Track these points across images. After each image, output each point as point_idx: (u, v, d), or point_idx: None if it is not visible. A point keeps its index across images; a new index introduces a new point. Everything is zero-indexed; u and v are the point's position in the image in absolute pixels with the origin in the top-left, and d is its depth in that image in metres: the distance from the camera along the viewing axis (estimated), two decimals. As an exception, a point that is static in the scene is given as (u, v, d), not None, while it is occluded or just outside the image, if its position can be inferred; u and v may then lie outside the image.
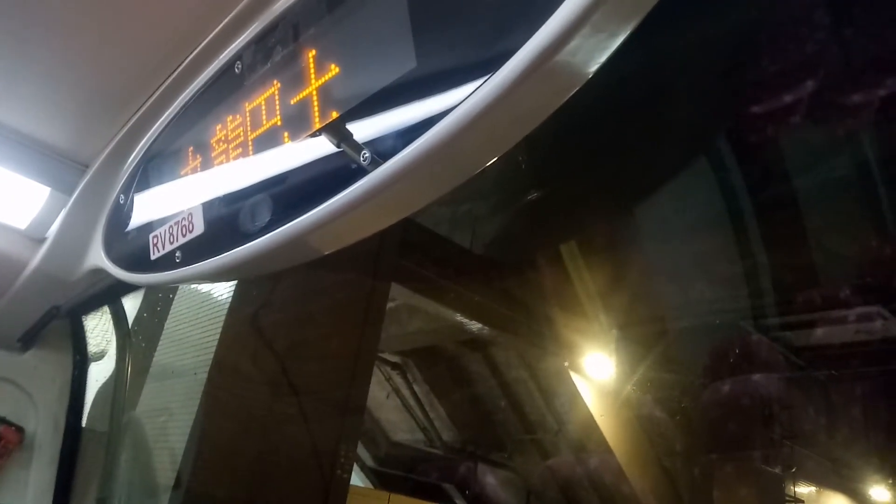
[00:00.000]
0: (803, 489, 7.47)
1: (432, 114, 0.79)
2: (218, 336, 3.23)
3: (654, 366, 6.05)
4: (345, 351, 3.97)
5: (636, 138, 3.73)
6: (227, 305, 3.29)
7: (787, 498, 6.93)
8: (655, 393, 6.22)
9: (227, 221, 1.12)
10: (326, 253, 1.10)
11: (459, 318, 5.42)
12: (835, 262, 5.25)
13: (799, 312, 6.04)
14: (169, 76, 1.26)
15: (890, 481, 8.17)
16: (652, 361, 6.01)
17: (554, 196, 4.50)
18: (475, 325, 5.48)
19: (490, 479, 7.10)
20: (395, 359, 6.81)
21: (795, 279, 5.44)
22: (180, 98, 1.27)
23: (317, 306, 3.87)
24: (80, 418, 2.11)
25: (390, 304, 5.32)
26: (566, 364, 5.63)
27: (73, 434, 2.06)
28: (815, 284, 5.48)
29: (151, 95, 1.29)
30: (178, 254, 1.24)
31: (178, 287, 3.50)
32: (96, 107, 1.36)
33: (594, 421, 5.75)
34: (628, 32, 0.72)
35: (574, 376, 5.70)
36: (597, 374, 5.66)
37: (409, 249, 4.80)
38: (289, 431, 3.54)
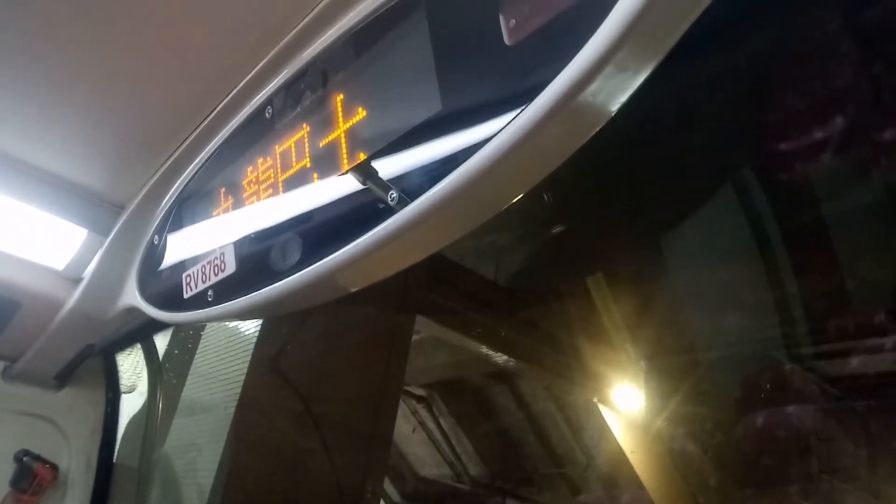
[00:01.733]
0: (845, 526, 7.19)
1: (457, 154, 0.81)
2: (245, 371, 3.25)
3: (684, 398, 5.92)
4: (370, 384, 3.96)
5: (661, 168, 3.72)
6: (254, 340, 3.32)
7: (829, 535, 6.67)
8: (687, 426, 6.07)
9: (258, 261, 1.15)
10: (355, 290, 1.12)
11: (485, 350, 5.39)
12: (867, 289, 5.14)
13: (833, 341, 5.90)
14: (203, 121, 1.30)
15: (938, 517, 7.82)
16: (682, 394, 5.88)
17: (579, 227, 4.49)
18: (501, 358, 5.44)
19: (519, 515, 6.95)
20: (420, 392, 6.77)
21: (828, 307, 5.33)
22: (213, 142, 1.31)
23: (342, 340, 3.88)
24: (112, 455, 2.13)
25: (415, 337, 5.31)
26: (594, 397, 5.55)
27: (105, 470, 2.08)
28: (848, 312, 5.36)
29: (186, 139, 1.34)
30: (210, 293, 1.26)
31: (206, 324, 3.55)
32: (132, 150, 1.41)
33: (624, 455, 5.63)
34: (651, 69, 0.74)
35: (603, 409, 5.60)
36: (626, 407, 5.56)
37: (434, 282, 4.81)
38: (315, 467, 3.52)
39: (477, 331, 5.19)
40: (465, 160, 0.80)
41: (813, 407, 6.21)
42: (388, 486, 7.10)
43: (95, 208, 1.52)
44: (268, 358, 3.40)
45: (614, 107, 0.75)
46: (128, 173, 1.46)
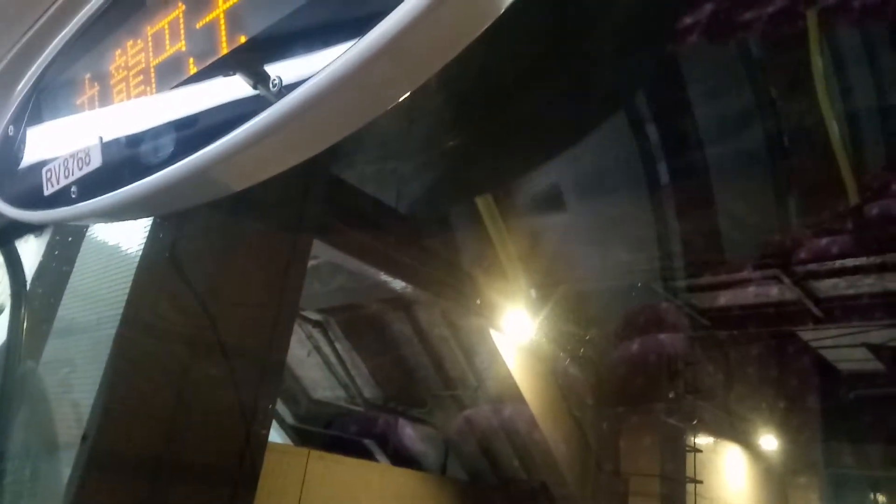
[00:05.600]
0: (702, 440, 8.06)
1: (344, 39, 0.77)
2: (129, 287, 3.10)
3: (569, 324, 6.28)
4: (265, 304, 3.89)
5: (558, 101, 3.79)
6: (139, 254, 3.14)
7: (687, 448, 7.46)
8: (570, 350, 6.48)
9: (126, 154, 1.06)
10: (236, 189, 1.06)
11: (383, 276, 5.41)
12: (740, 230, 5.58)
13: (705, 275, 6.42)
14: (62, -4, 1.16)
15: (777, 431, 8.93)
16: (568, 320, 6.23)
17: (477, 158, 4.52)
18: (398, 284, 5.50)
19: (410, 434, 7.23)
20: (316, 317, 6.75)
21: (704, 245, 5.75)
22: (75, 20, 1.17)
23: (236, 259, 3.76)
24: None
25: (313, 262, 5.25)
26: (486, 322, 5.76)
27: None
28: (721, 250, 5.82)
29: (42, 16, 1.19)
30: (73, 189, 1.16)
31: (85, 235, 3.32)
32: (-21, 27, 1.24)
33: (512, 377, 5.93)
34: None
35: (494, 334, 5.84)
36: (516, 332, 5.82)
37: (333, 206, 4.73)
38: (205, 386, 3.45)
39: (375, 257, 5.20)
40: (351, 46, 0.76)
41: (682, 335, 6.78)
42: (282, 408, 7.14)
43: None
44: (154, 274, 3.24)
45: (500, 3, 0.74)
46: (-25, 53, 1.29)
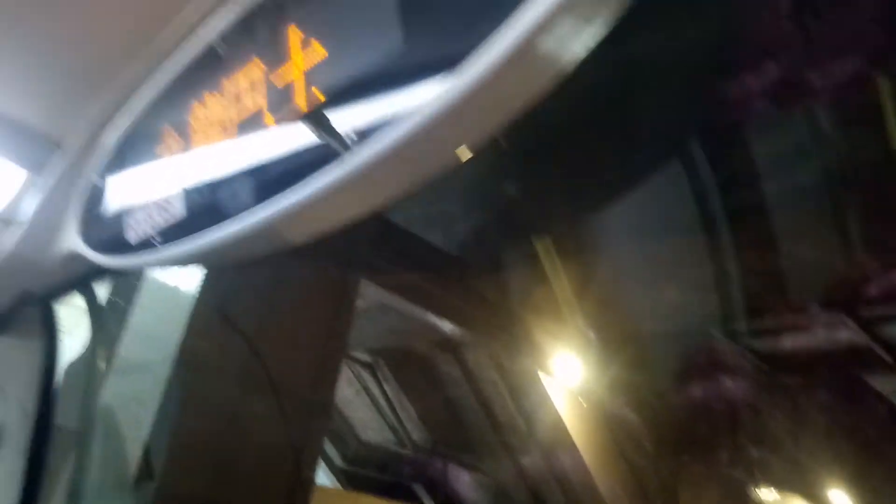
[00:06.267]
0: (767, 494, 7.65)
1: (417, 96, 0.80)
2: (184, 328, 3.20)
3: (624, 369, 6.13)
4: (314, 346, 3.95)
5: (609, 141, 3.79)
6: (194, 297, 3.27)
7: (752, 502, 7.09)
8: (625, 395, 6.30)
9: (206, 203, 1.12)
10: (307, 240, 1.11)
11: (431, 318, 5.43)
12: (802, 270, 5.39)
13: (767, 319, 6.19)
14: (147, 52, 1.25)
15: (848, 486, 8.40)
16: (622, 364, 6.08)
17: (527, 198, 4.54)
18: (447, 326, 5.50)
19: (460, 480, 7.11)
20: (365, 358, 6.79)
21: (764, 286, 5.57)
22: (159, 75, 1.26)
23: (285, 301, 3.84)
24: (50, 409, 2.06)
25: (362, 304, 5.31)
26: (537, 367, 5.68)
27: (42, 425, 2.01)
28: (783, 292, 5.62)
29: (128, 71, 1.28)
30: (155, 236, 1.23)
31: (144, 277, 3.46)
32: (70, 82, 1.34)
33: (564, 423, 5.80)
34: (609, 23, 0.74)
35: (544, 378, 5.74)
36: (567, 377, 5.71)
37: (381, 247, 4.80)
38: (254, 427, 3.50)
39: (424, 298, 5.23)
40: (424, 102, 0.79)
41: (744, 381, 6.53)
42: (331, 450, 7.14)
43: (30, 144, 1.44)
44: (207, 316, 3.34)
45: (576, 55, 0.76)
46: (65, 107, 1.38)
